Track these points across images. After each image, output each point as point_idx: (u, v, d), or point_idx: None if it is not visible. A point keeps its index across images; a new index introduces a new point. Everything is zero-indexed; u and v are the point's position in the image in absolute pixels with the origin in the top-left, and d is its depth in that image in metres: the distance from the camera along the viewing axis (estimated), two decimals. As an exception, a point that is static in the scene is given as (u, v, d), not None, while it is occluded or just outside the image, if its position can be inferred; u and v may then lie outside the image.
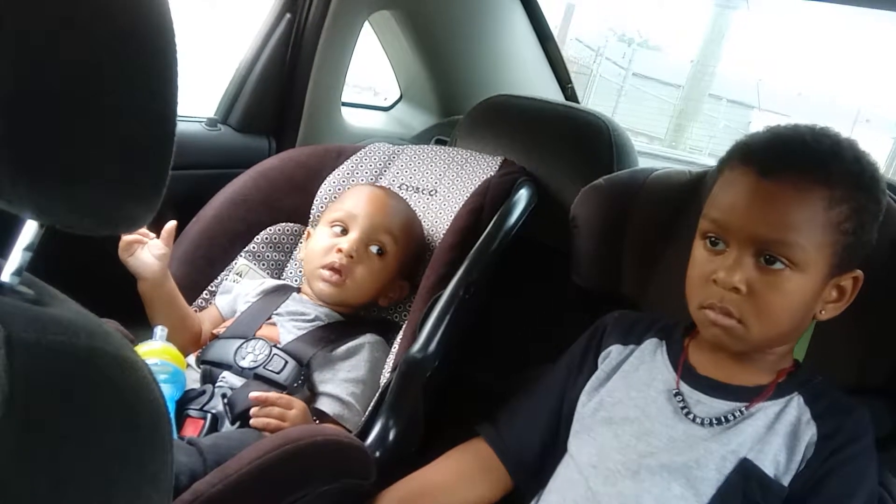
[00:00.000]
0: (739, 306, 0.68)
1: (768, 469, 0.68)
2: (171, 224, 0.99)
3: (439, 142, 1.51)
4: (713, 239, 0.71)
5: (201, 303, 1.11)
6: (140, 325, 0.96)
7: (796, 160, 0.67)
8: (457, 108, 1.79)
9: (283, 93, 1.41)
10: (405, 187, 1.22)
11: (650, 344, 0.81)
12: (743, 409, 0.71)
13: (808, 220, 0.66)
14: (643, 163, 1.32)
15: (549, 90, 1.88)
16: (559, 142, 1.30)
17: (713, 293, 0.69)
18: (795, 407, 0.71)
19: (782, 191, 0.66)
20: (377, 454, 0.83)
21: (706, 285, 0.70)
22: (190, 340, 1.02)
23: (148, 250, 0.97)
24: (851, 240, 0.68)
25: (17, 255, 0.40)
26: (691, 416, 0.73)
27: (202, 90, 1.39)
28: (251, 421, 0.86)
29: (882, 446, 0.72)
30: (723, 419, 0.71)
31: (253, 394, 0.87)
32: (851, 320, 0.74)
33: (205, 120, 1.33)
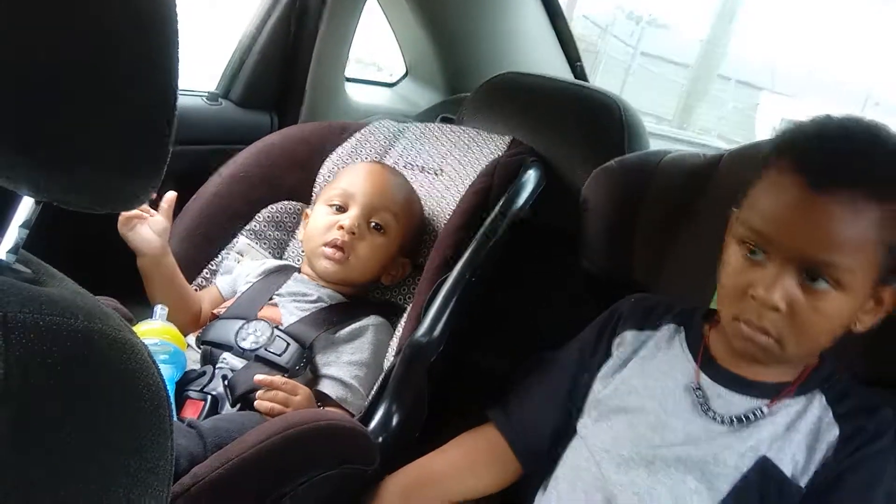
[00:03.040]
0: (778, 325, 0.64)
1: (787, 469, 0.67)
2: (171, 195, 0.97)
3: (445, 120, 1.48)
4: (752, 249, 0.65)
5: (201, 282, 1.10)
6: (139, 303, 0.95)
7: (851, 174, 0.61)
8: (464, 85, 1.75)
9: (286, 67, 1.38)
10: (410, 166, 1.20)
11: (667, 330, 0.78)
12: (764, 408, 0.69)
13: (859, 240, 0.61)
14: (652, 144, 1.29)
15: (557, 68, 1.84)
16: (569, 122, 1.27)
17: (750, 308, 0.65)
18: (817, 406, 0.69)
19: (835, 208, 0.61)
20: (380, 440, 0.81)
21: (743, 298, 0.65)
22: (190, 320, 1.01)
23: (148, 226, 0.95)
24: None
25: (13, 232, 0.39)
26: (710, 414, 0.70)
27: (203, 63, 1.36)
28: (255, 404, 0.85)
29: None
30: (743, 418, 0.69)
31: (258, 377, 0.85)
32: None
33: (206, 94, 1.30)
